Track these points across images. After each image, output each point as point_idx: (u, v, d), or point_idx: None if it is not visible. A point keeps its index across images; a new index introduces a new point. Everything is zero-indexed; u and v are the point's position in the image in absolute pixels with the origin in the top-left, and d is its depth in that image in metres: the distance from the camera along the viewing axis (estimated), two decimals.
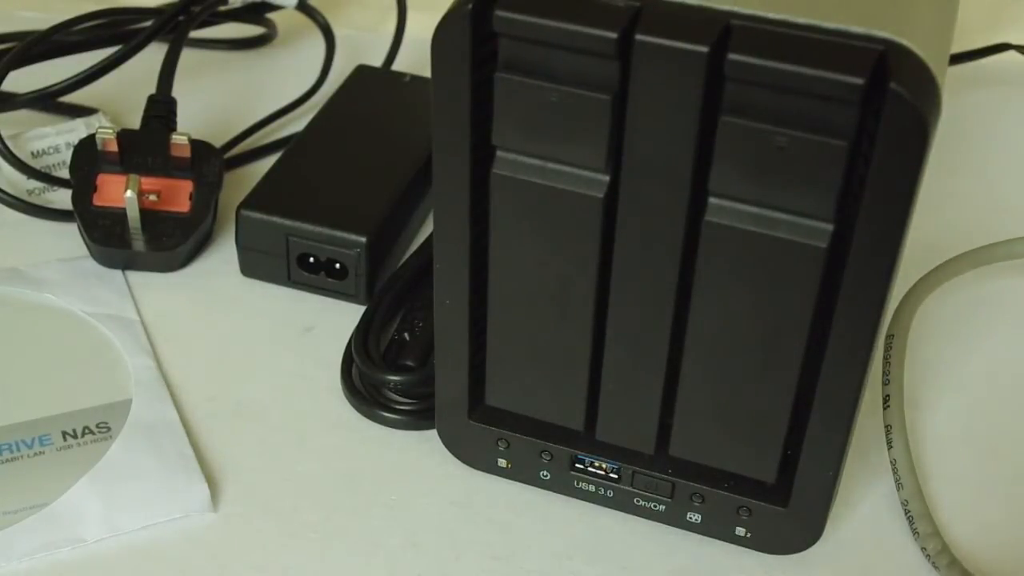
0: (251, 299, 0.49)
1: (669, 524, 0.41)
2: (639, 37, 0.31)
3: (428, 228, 0.51)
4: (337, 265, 0.48)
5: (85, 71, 0.52)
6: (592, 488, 0.41)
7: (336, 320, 0.48)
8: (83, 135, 0.52)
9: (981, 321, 0.49)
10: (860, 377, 0.35)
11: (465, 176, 0.35)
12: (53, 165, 0.53)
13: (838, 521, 0.41)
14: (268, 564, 0.40)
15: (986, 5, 0.65)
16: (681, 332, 0.36)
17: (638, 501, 0.41)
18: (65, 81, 0.52)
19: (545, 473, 0.41)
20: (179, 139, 0.49)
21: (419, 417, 0.44)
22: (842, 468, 0.37)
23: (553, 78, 0.32)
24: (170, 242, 0.49)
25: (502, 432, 0.41)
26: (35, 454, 0.42)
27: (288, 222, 0.48)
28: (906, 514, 0.41)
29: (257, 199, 0.49)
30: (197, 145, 0.50)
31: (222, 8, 0.57)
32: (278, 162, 0.51)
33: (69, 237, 0.50)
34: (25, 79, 0.52)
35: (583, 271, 0.36)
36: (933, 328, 0.48)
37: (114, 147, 0.49)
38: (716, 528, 0.40)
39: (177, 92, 0.52)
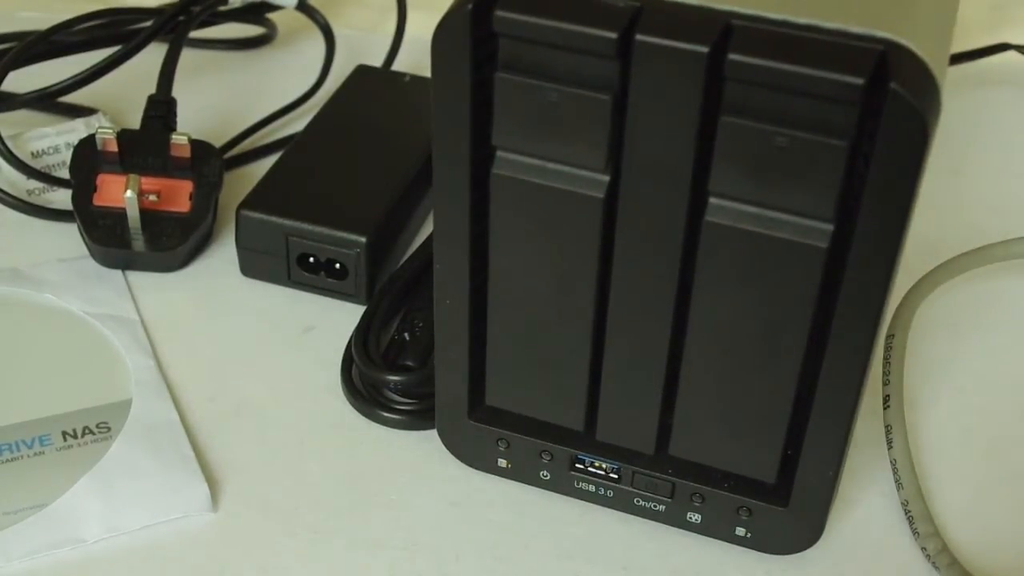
0: (251, 299, 0.49)
1: (669, 524, 0.41)
2: (639, 37, 0.31)
3: (428, 228, 0.51)
4: (337, 265, 0.48)
5: (85, 71, 0.52)
6: (592, 488, 0.41)
7: (336, 320, 0.48)
8: (83, 135, 0.52)
9: (981, 321, 0.49)
10: (860, 377, 0.35)
11: (465, 176, 0.35)
12: (53, 165, 0.53)
13: (838, 521, 0.41)
14: (268, 564, 0.40)
15: (986, 5, 0.65)
16: (681, 332, 0.36)
17: (638, 501, 0.41)
18: (65, 81, 0.52)
19: (545, 473, 0.41)
20: (179, 139, 0.49)
21: (419, 417, 0.44)
22: (842, 468, 0.37)
23: (553, 78, 0.32)
24: (170, 242, 0.49)
25: (502, 432, 0.41)
26: (35, 454, 0.42)
27: (288, 222, 0.48)
28: (906, 514, 0.41)
29: (257, 199, 0.49)
30: (197, 145, 0.50)
31: (222, 8, 0.58)
32: (278, 162, 0.51)
33: (69, 237, 0.50)
34: (25, 79, 0.52)
35: (583, 271, 0.36)
36: (933, 328, 0.48)
37: (114, 147, 0.49)
38: (716, 528, 0.40)
39: (177, 92, 0.52)
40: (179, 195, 0.49)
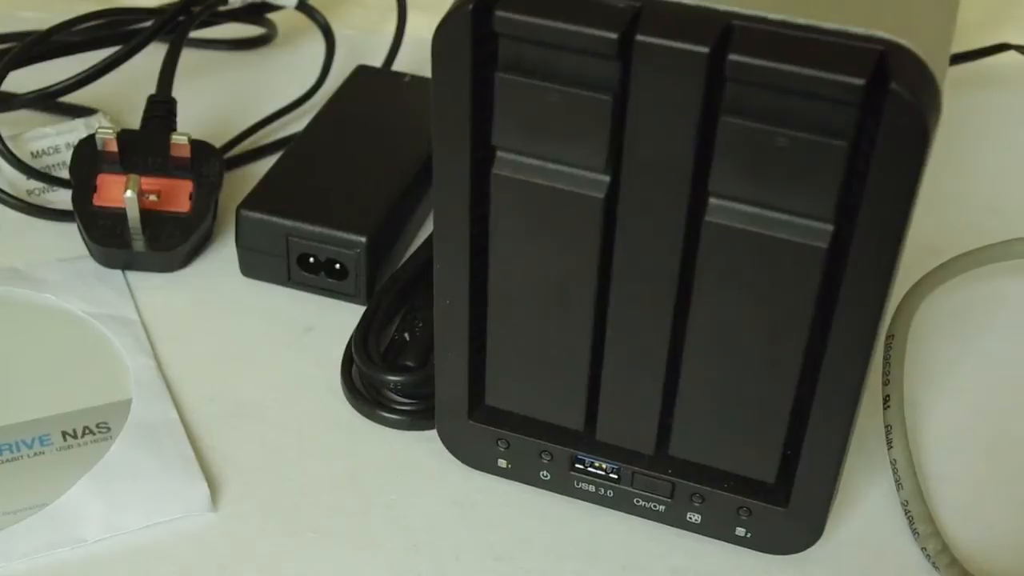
0: (251, 299, 0.49)
1: (669, 524, 0.41)
2: (640, 37, 0.31)
3: (428, 228, 0.51)
4: (337, 265, 0.48)
5: (85, 71, 0.52)
6: (592, 488, 0.41)
7: (336, 320, 0.48)
8: (83, 135, 0.52)
9: (981, 321, 0.49)
10: (860, 377, 0.35)
11: (465, 176, 0.35)
12: (53, 165, 0.53)
13: (838, 521, 0.41)
14: (268, 564, 0.40)
15: (986, 5, 0.65)
16: (681, 332, 0.36)
17: (638, 501, 0.41)
18: (65, 81, 0.52)
19: (545, 473, 0.41)
20: (179, 139, 0.49)
21: (419, 417, 0.44)
22: (842, 468, 0.37)
23: (554, 78, 0.32)
24: (170, 242, 0.49)
25: (502, 432, 0.41)
26: (35, 454, 0.42)
27: (288, 222, 0.48)
28: (906, 514, 0.41)
29: (257, 199, 0.49)
30: (197, 145, 0.50)
31: (222, 8, 0.58)
32: (278, 162, 0.51)
33: (69, 237, 0.50)
34: (25, 79, 0.52)
35: (583, 271, 0.36)
36: (933, 328, 0.48)
37: (114, 147, 0.49)
38: (716, 528, 0.40)
39: (177, 92, 0.52)
40: (179, 195, 0.49)
